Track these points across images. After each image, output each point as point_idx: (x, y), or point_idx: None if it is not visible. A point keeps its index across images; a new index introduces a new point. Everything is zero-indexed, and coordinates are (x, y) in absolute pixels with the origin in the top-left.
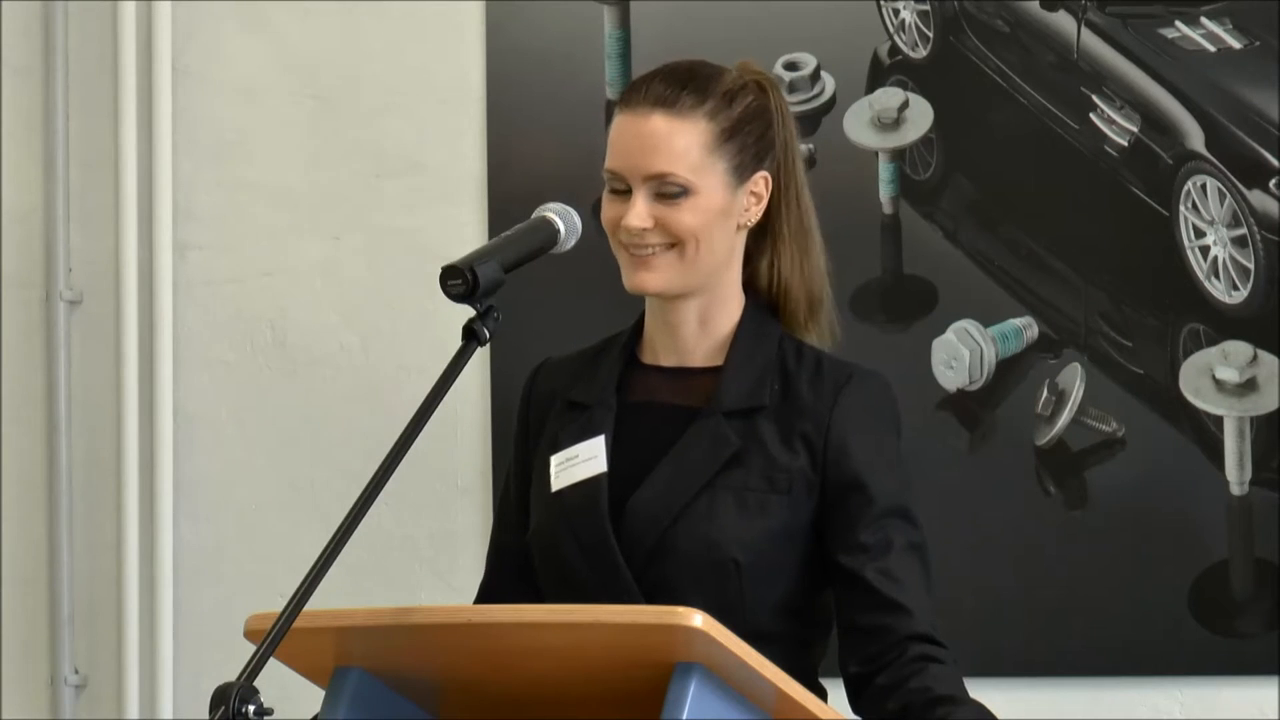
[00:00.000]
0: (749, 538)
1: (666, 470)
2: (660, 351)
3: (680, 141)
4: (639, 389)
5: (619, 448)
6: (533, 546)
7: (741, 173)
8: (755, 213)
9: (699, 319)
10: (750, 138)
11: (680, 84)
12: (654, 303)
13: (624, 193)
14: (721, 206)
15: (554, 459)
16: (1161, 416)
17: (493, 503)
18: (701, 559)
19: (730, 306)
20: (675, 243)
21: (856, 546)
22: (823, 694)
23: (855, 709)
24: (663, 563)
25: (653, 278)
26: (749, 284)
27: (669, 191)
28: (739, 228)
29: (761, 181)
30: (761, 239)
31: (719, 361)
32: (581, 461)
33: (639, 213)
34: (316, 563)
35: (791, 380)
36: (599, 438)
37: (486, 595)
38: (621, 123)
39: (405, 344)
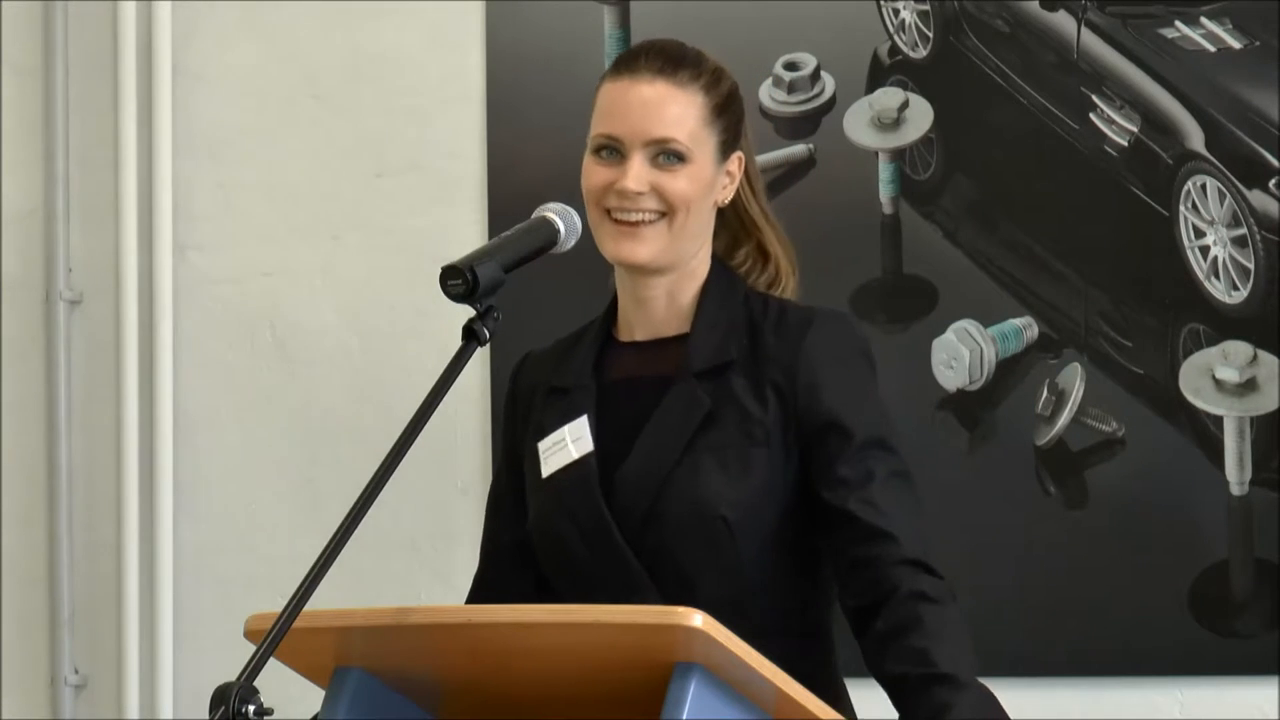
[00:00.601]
0: (734, 494)
1: (648, 440)
2: (635, 327)
3: (681, 110)
4: (616, 367)
5: (603, 426)
6: (533, 534)
7: (724, 150)
8: (729, 192)
9: (667, 293)
10: (732, 118)
11: (677, 57)
12: (626, 279)
13: (613, 158)
14: (709, 180)
15: (541, 445)
16: (1161, 416)
17: None
18: (691, 521)
19: (697, 278)
20: (666, 211)
21: (838, 481)
22: (831, 647)
23: (859, 644)
24: (657, 530)
25: (641, 248)
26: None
27: (669, 157)
28: (715, 205)
29: (736, 162)
30: (734, 224)
31: (689, 329)
32: (569, 444)
33: (637, 175)
34: (316, 563)
35: (758, 333)
36: (582, 418)
37: (481, 588)
38: (618, 88)
39: (405, 344)
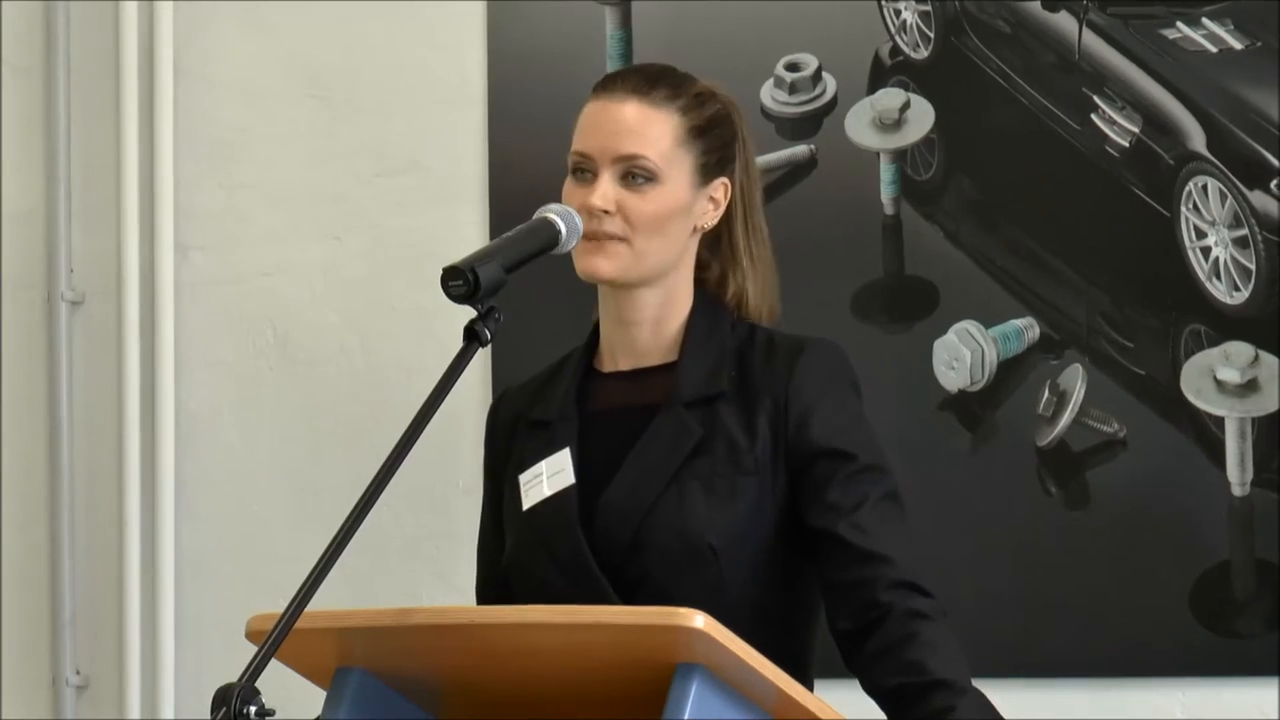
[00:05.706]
0: (722, 522)
1: (633, 468)
2: (618, 355)
3: (653, 129)
4: (599, 397)
5: (585, 458)
6: (509, 568)
7: (705, 174)
8: (713, 217)
9: (653, 318)
10: (716, 141)
11: (655, 78)
12: (609, 303)
13: (585, 179)
14: (683, 203)
15: (521, 478)
16: (1163, 417)
17: None
18: (677, 550)
19: (682, 304)
20: (627, 235)
21: (827, 506)
22: (810, 676)
23: (850, 668)
24: (640, 559)
25: (605, 264)
26: (700, 285)
27: (636, 177)
28: (695, 230)
29: (721, 188)
30: (716, 251)
31: (674, 358)
32: (549, 476)
33: (604, 193)
34: (318, 563)
35: (746, 362)
36: (564, 451)
37: None
38: (594, 108)
39: (406, 344)
